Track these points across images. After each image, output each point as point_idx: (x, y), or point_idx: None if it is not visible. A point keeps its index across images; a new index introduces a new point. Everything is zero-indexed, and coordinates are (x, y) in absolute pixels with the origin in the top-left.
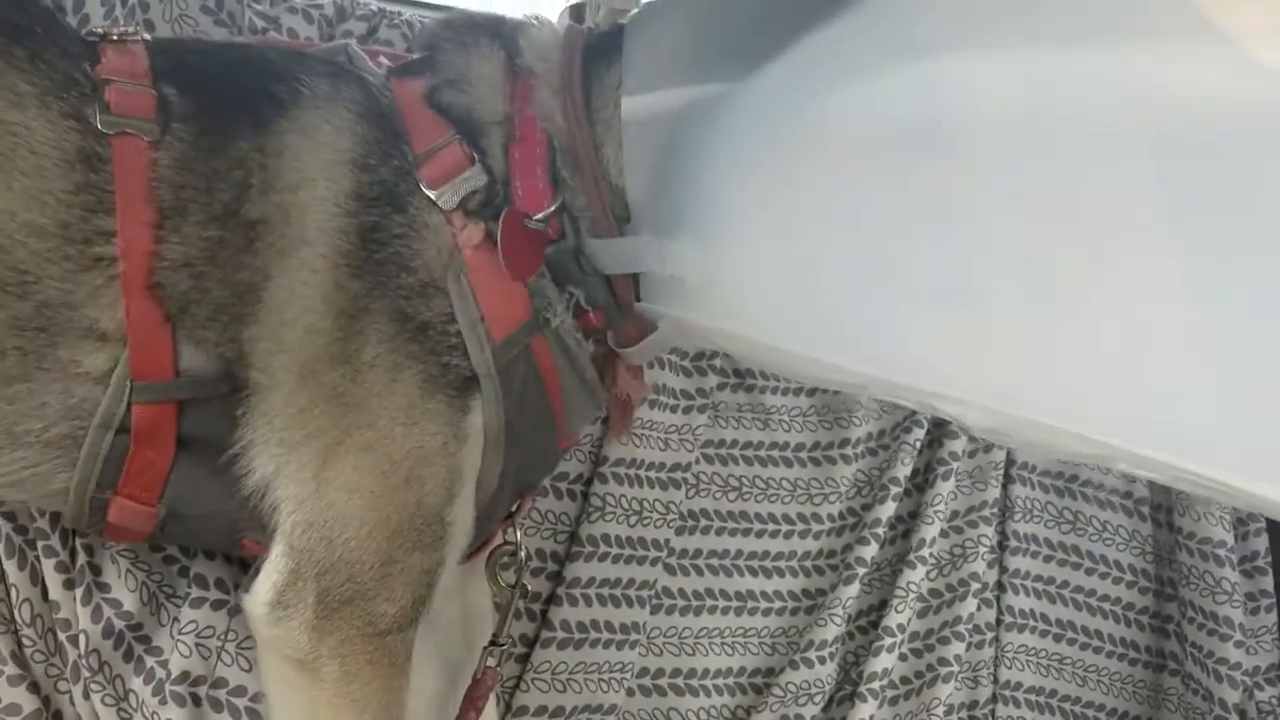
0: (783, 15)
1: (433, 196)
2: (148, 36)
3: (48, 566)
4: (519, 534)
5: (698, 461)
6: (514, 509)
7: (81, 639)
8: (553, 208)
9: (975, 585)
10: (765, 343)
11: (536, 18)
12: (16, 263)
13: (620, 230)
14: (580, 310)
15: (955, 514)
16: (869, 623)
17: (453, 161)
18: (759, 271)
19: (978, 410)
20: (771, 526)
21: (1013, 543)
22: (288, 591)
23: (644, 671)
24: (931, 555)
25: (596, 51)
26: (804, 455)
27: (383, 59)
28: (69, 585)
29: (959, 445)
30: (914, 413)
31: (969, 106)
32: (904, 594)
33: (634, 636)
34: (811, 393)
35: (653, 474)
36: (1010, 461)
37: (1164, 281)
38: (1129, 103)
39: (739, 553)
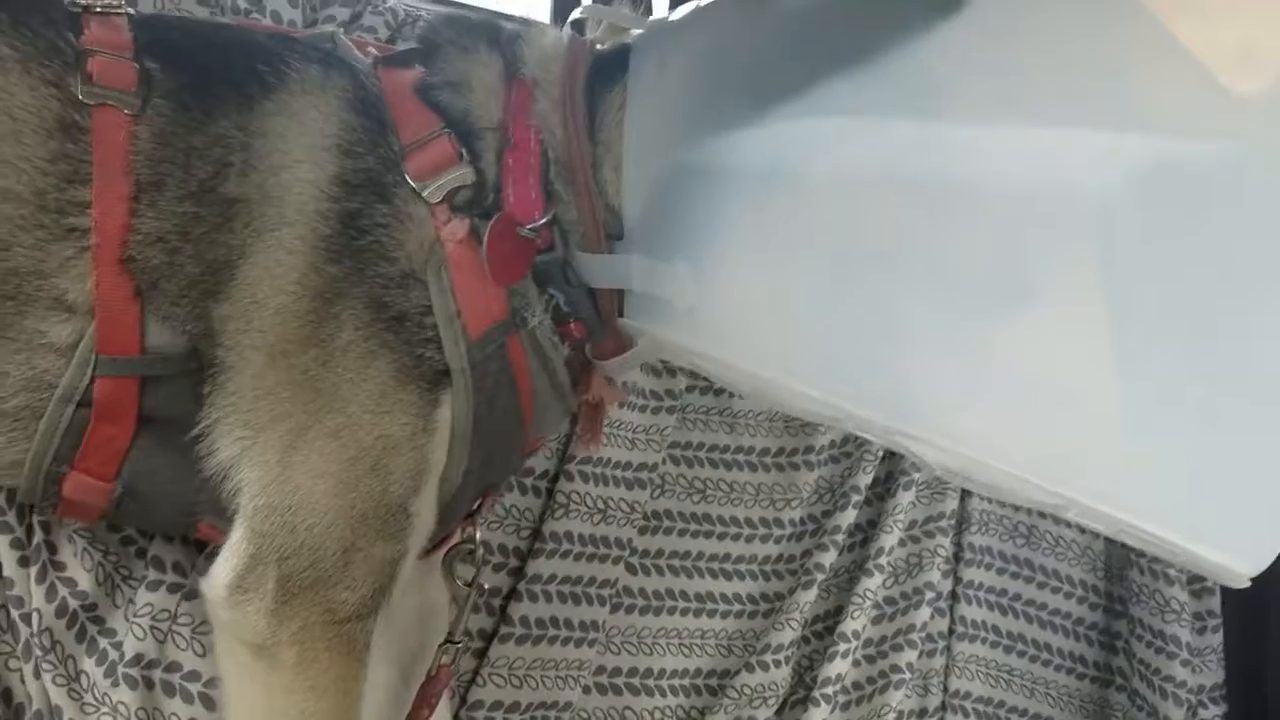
0: (797, 62)
1: (417, 188)
2: (131, 10)
3: (2, 543)
4: (478, 532)
5: (664, 462)
6: (475, 507)
7: (34, 617)
8: (544, 220)
9: (930, 594)
10: (746, 369)
11: (535, 25)
12: None
13: (610, 247)
14: (561, 319)
15: (913, 523)
16: (825, 628)
17: (441, 155)
18: (748, 301)
19: (938, 450)
20: (734, 529)
21: (968, 554)
22: (248, 575)
23: (601, 670)
24: (889, 563)
25: (601, 69)
26: (768, 460)
27: (371, 49)
28: (23, 563)
29: None
30: None
31: (961, 171)
32: (860, 601)
33: (592, 635)
34: None
35: (618, 473)
36: None
37: (1121, 341)
38: (1110, 183)
39: (700, 554)
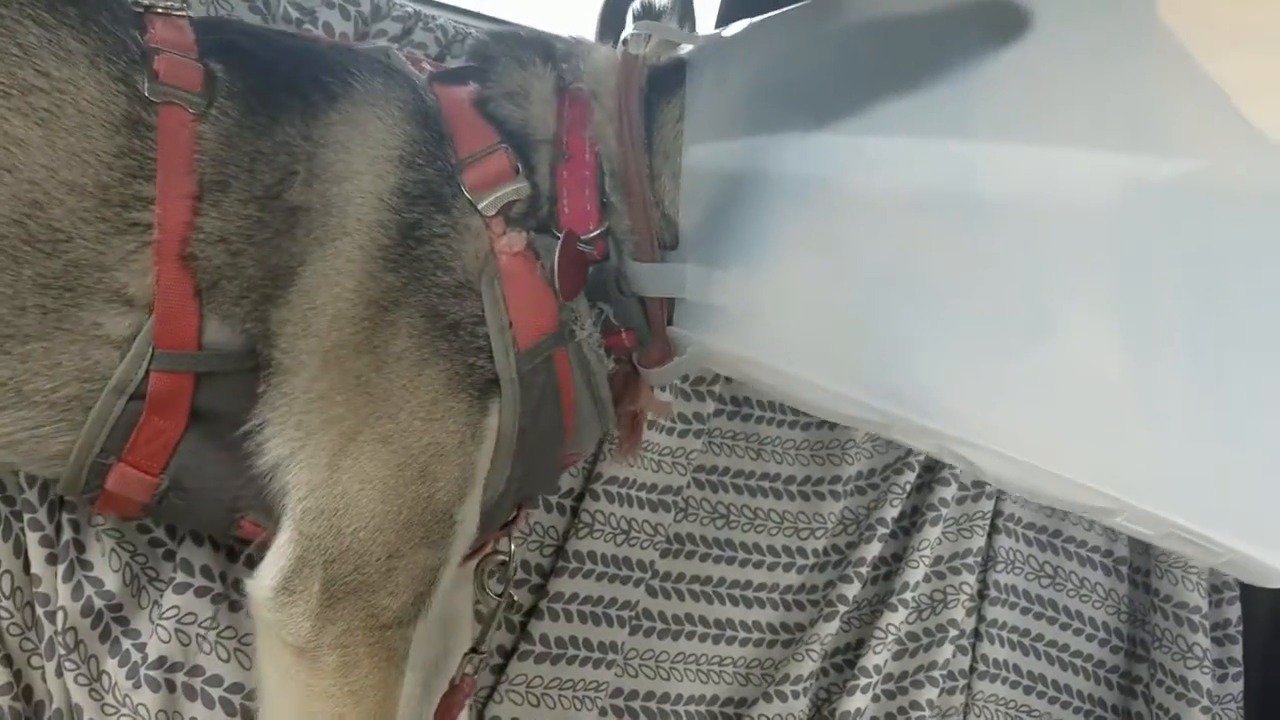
0: (855, 79)
1: (474, 200)
2: (190, 12)
3: (32, 539)
4: (512, 545)
5: (689, 486)
6: (511, 519)
7: (59, 615)
8: (598, 231)
9: (953, 632)
10: (800, 376)
11: (586, 42)
12: (51, 220)
13: (663, 256)
14: (610, 329)
15: (939, 559)
16: (845, 661)
17: (498, 168)
18: (803, 310)
19: (993, 457)
20: (756, 557)
21: (992, 592)
22: (294, 578)
23: (618, 692)
24: (913, 599)
25: (657, 82)
26: (794, 488)
27: (424, 65)
28: (52, 560)
29: (949, 492)
30: (907, 454)
31: (1002, 190)
32: (883, 635)
33: (611, 656)
34: (806, 426)
35: (643, 495)
36: (997, 512)
37: (1165, 349)
38: (1148, 201)
39: (722, 580)
